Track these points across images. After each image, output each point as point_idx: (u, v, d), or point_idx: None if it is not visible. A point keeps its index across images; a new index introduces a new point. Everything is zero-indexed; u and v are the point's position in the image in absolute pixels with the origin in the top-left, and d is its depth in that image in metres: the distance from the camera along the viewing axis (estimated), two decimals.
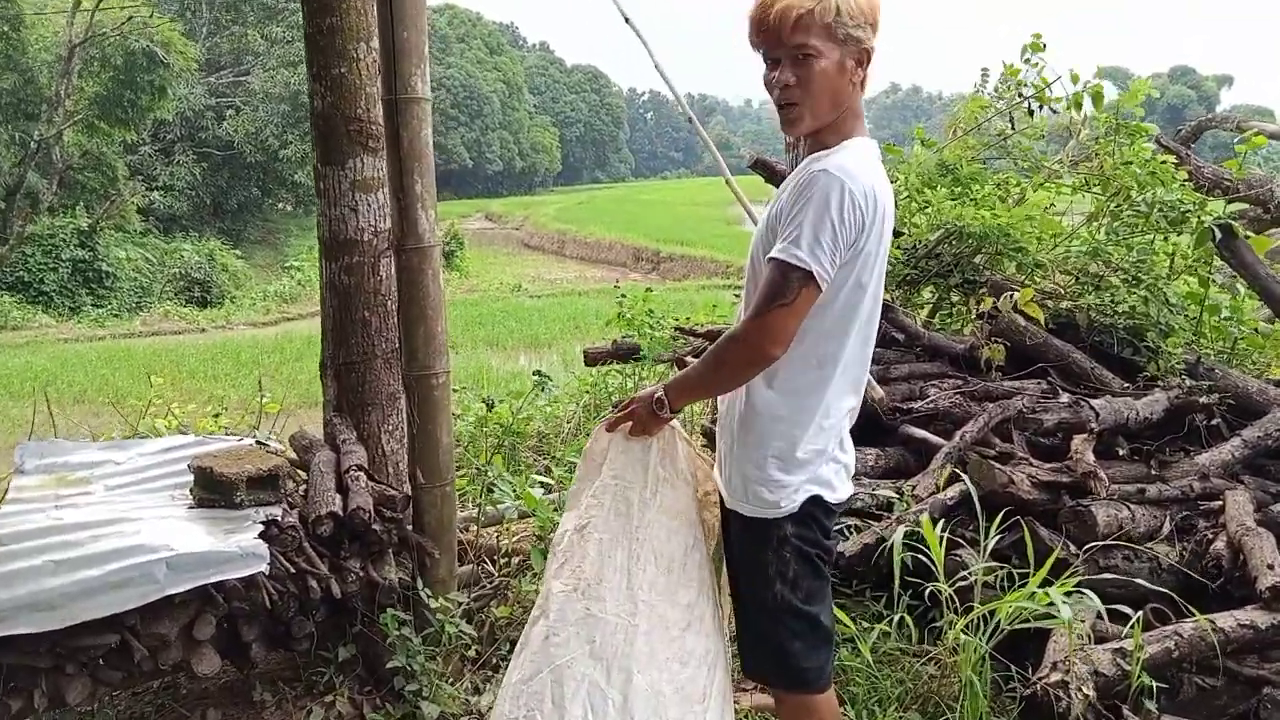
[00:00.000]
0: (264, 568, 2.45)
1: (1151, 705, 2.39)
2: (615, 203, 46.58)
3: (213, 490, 2.70)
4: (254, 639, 2.59)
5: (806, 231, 1.72)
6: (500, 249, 34.77)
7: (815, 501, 1.90)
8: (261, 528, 2.56)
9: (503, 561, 3.24)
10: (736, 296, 2.59)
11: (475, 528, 3.42)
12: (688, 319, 6.66)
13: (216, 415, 5.47)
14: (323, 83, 3.15)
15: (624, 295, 6.14)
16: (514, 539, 3.46)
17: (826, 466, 1.91)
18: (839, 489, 1.95)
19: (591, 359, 5.43)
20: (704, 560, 2.03)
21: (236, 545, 2.45)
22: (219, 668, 2.54)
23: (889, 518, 2.96)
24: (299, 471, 3.14)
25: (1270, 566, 2.67)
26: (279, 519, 2.63)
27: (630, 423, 2.05)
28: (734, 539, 2.02)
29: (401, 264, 2.78)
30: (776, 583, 1.90)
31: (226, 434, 4.66)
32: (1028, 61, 5.12)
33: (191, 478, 2.77)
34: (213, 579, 2.39)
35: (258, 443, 3.16)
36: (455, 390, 6.57)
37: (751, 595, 1.97)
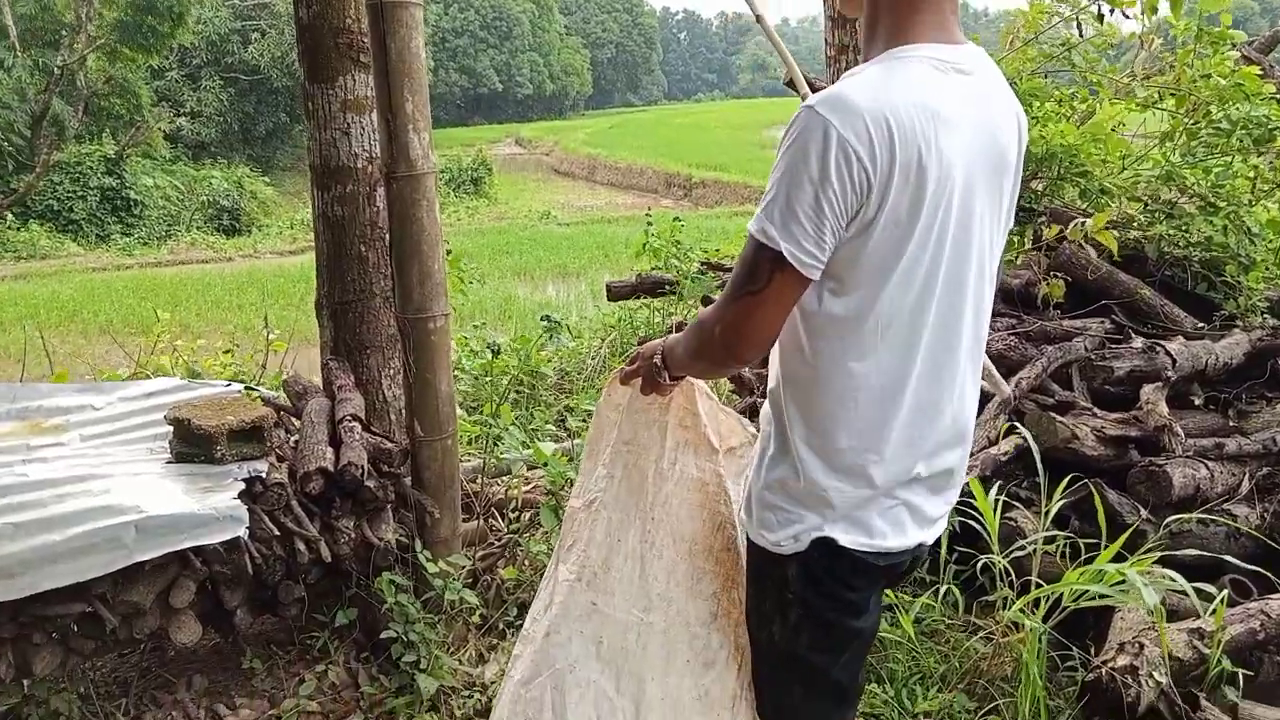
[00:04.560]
0: (242, 531, 2.24)
1: (1233, 693, 2.12)
2: (647, 127, 45.49)
3: (191, 444, 2.48)
4: (238, 605, 2.40)
5: (780, 196, 1.23)
6: (530, 175, 34.17)
7: (828, 547, 1.38)
8: (242, 486, 2.34)
9: (513, 515, 3.01)
10: None
11: (482, 478, 3.18)
12: (717, 250, 6.32)
13: (227, 351, 5.29)
14: None
15: (651, 223, 5.80)
16: (526, 488, 3.23)
17: (869, 507, 1.38)
18: (886, 536, 1.39)
19: (615, 294, 5.14)
20: (737, 536, 1.67)
21: (212, 507, 2.23)
22: (200, 636, 2.35)
23: None
24: (293, 419, 2.92)
25: None
26: (264, 475, 2.41)
27: (640, 379, 1.68)
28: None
29: (393, 194, 2.49)
30: (774, 622, 1.47)
31: (235, 379, 4.47)
32: None
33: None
34: (185, 544, 2.18)
35: (246, 388, 2.92)
36: (476, 326, 6.33)
37: (749, 624, 1.58)
